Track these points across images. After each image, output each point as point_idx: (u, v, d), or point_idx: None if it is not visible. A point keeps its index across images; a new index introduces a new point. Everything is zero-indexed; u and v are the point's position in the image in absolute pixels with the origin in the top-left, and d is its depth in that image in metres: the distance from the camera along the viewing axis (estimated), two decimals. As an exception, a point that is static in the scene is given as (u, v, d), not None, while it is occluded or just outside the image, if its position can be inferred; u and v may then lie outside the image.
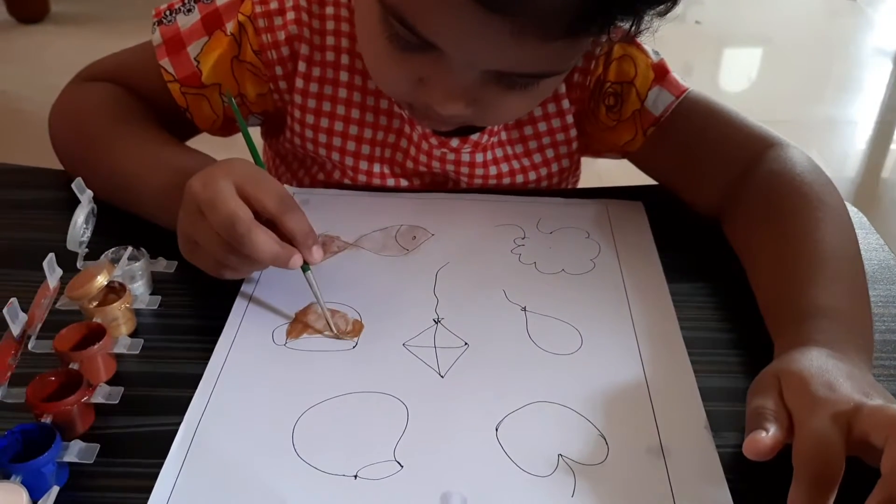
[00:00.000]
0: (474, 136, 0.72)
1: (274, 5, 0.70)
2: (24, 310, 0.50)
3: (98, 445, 0.48)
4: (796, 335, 0.52)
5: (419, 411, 0.52)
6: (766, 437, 0.45)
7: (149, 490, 0.46)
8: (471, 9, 0.49)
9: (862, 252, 0.60)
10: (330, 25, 0.70)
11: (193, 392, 0.52)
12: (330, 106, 0.73)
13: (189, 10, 0.71)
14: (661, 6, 0.53)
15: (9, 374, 0.49)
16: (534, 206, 0.72)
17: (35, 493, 0.44)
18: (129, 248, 0.60)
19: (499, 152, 0.75)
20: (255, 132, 0.84)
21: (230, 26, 0.70)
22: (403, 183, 0.76)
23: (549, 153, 0.76)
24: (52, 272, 0.53)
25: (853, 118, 2.65)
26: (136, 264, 0.60)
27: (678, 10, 0.55)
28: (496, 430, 0.50)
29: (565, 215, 0.72)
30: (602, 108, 0.73)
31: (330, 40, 0.71)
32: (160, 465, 0.47)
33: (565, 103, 0.73)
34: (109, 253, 0.60)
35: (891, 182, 2.33)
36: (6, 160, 0.79)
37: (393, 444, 0.49)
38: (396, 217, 0.70)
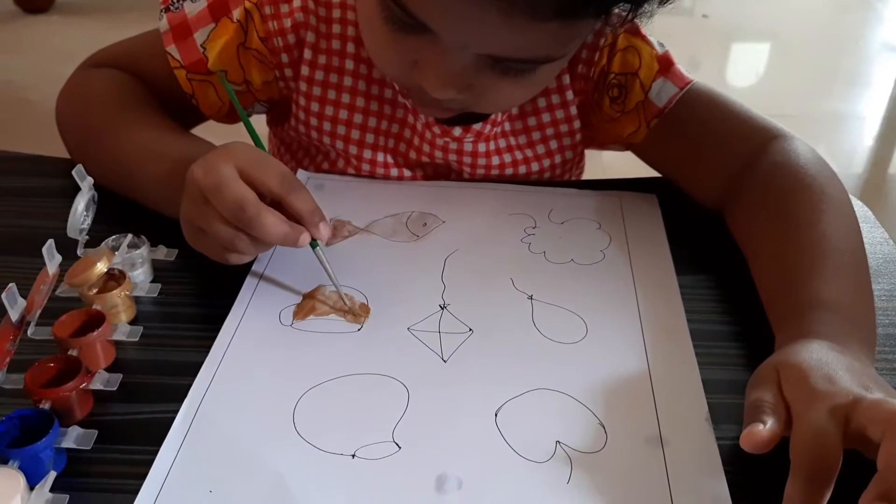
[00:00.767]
0: (477, 126, 0.71)
1: None
2: (24, 296, 0.50)
3: (96, 432, 0.48)
4: (797, 327, 0.52)
5: (420, 395, 0.52)
6: (763, 429, 0.44)
7: (146, 476, 0.46)
8: None
9: (866, 246, 0.60)
10: (336, 13, 0.70)
11: (192, 380, 0.52)
12: (335, 94, 0.72)
13: None
14: None
15: (7, 359, 0.49)
16: (546, 197, 0.72)
17: (32, 479, 0.44)
18: (130, 236, 0.60)
19: (501, 143, 0.75)
20: (261, 119, 0.84)
21: (237, 13, 0.70)
22: (407, 173, 0.76)
23: (553, 144, 0.75)
24: (52, 258, 0.53)
25: (861, 113, 2.64)
26: (137, 252, 0.60)
27: (686, 3, 0.55)
28: (495, 415, 0.51)
29: (577, 206, 0.71)
30: (606, 100, 0.73)
31: (336, 28, 0.70)
32: (158, 452, 0.48)
33: (569, 94, 0.73)
34: (110, 240, 0.60)
35: (898, 178, 2.32)
36: (13, 149, 0.79)
37: (392, 426, 0.50)
38: (408, 204, 0.71)
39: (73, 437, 0.47)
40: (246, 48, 0.71)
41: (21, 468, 0.44)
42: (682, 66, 0.71)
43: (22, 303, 0.50)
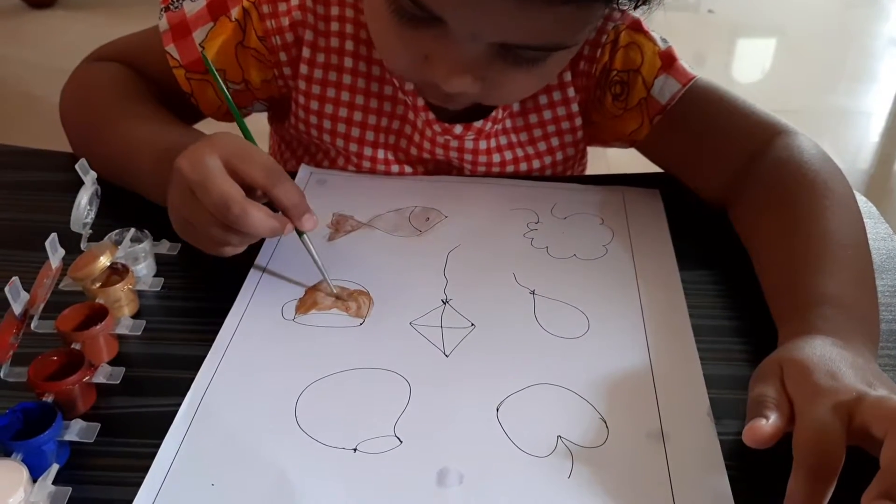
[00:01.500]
0: (478, 123, 0.71)
1: None
2: (27, 289, 0.50)
3: (98, 425, 0.48)
4: (800, 323, 0.52)
5: (422, 389, 0.52)
6: (765, 424, 0.44)
7: (149, 469, 0.46)
8: None
9: (870, 241, 0.60)
10: (334, 11, 0.70)
11: (194, 374, 0.52)
12: (334, 92, 0.72)
13: None
14: None
15: (10, 352, 0.49)
16: (549, 192, 0.72)
17: (35, 471, 0.44)
18: (133, 230, 0.60)
19: (503, 140, 0.74)
20: (262, 118, 0.84)
21: (235, 12, 0.70)
22: (407, 170, 0.75)
23: (554, 141, 0.75)
24: (55, 252, 0.53)
25: (866, 109, 2.63)
26: (139, 246, 0.60)
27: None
28: (497, 410, 0.51)
29: (581, 201, 0.71)
30: (608, 97, 0.72)
31: (334, 26, 0.70)
32: (161, 445, 0.48)
33: (571, 91, 0.73)
34: (113, 235, 0.60)
35: (904, 174, 2.32)
36: (17, 143, 0.79)
37: (394, 421, 0.50)
38: (411, 199, 0.71)
39: (77, 430, 0.47)
40: (244, 47, 0.71)
41: (24, 461, 0.44)
42: (686, 61, 0.71)
43: (25, 296, 0.50)
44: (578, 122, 0.74)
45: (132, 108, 0.70)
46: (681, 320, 0.58)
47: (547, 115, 0.74)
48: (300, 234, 0.59)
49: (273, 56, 0.72)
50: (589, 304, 0.60)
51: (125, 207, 0.66)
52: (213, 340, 0.55)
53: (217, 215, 0.54)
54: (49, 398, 0.48)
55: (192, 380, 0.52)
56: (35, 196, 0.71)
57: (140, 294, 0.59)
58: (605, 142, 0.79)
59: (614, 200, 0.72)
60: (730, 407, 0.51)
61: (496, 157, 0.74)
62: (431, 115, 0.71)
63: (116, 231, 0.61)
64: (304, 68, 0.71)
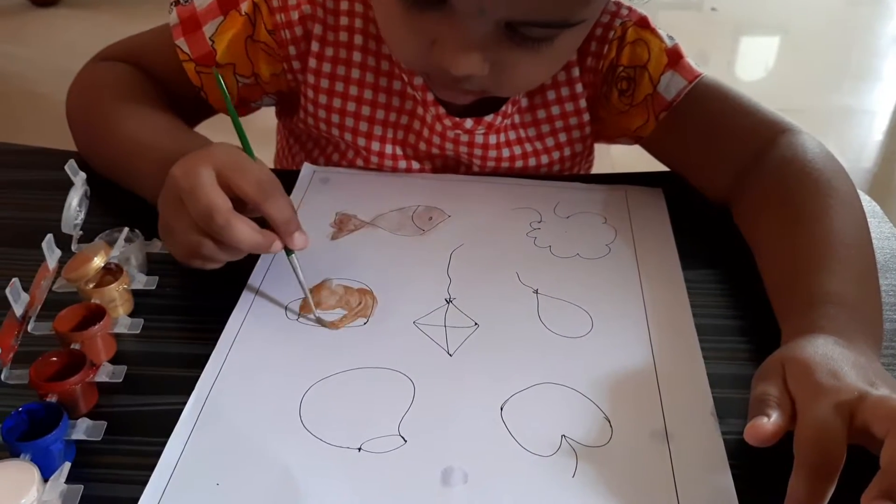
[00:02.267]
0: (488, 118, 0.71)
1: None
2: (25, 290, 0.50)
3: (105, 423, 0.48)
4: (803, 322, 0.52)
5: (426, 388, 0.52)
6: (767, 423, 0.44)
7: (154, 467, 0.46)
8: None
9: (874, 241, 0.60)
10: (344, 5, 0.70)
11: (193, 371, 0.53)
12: (343, 86, 0.73)
13: None
14: None
15: (11, 354, 0.49)
16: (552, 191, 0.72)
17: (43, 472, 0.44)
18: (125, 230, 0.60)
19: (512, 135, 0.74)
20: (270, 114, 0.84)
21: (245, 6, 0.70)
22: (416, 165, 0.76)
23: (562, 137, 0.75)
24: (52, 253, 0.53)
25: (870, 108, 2.62)
26: (131, 245, 0.60)
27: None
28: (501, 409, 0.51)
29: (583, 200, 0.71)
30: (615, 93, 0.73)
31: (343, 20, 0.71)
32: (164, 443, 0.48)
33: (578, 87, 0.73)
34: (104, 235, 0.60)
35: (908, 172, 2.31)
36: (21, 141, 0.79)
37: (398, 420, 0.50)
38: (414, 198, 0.71)
39: (83, 429, 0.47)
40: (254, 41, 0.71)
41: (32, 461, 0.44)
42: (690, 59, 0.71)
43: (25, 297, 0.50)
44: (586, 117, 0.74)
45: (137, 109, 0.70)
46: (684, 319, 0.58)
47: (555, 110, 0.74)
48: (288, 252, 0.58)
49: (282, 50, 0.72)
50: (592, 303, 0.60)
51: (115, 208, 0.66)
52: (210, 338, 0.55)
53: (201, 224, 0.54)
54: (52, 398, 0.48)
55: (191, 377, 0.52)
56: (38, 194, 0.71)
57: (134, 293, 0.59)
58: (611, 138, 0.79)
59: (617, 199, 0.72)
60: (733, 406, 0.51)
61: (505, 152, 0.74)
62: (441, 110, 0.71)
63: (107, 231, 0.60)
64: (312, 62, 0.72)
